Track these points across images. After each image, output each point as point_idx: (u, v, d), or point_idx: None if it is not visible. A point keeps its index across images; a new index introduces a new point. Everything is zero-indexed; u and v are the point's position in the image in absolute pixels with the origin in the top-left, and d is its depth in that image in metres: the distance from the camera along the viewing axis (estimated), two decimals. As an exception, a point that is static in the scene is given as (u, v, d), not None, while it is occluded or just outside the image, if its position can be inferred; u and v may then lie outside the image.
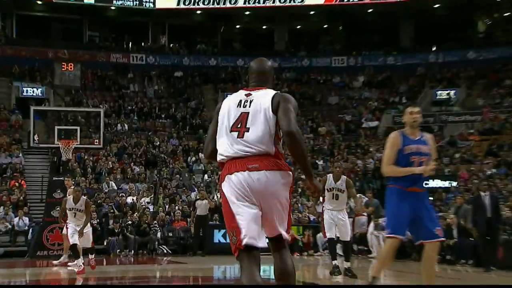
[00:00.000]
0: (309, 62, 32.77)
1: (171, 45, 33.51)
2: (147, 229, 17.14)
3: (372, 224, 15.82)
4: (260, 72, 4.44)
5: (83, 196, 11.74)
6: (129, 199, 19.45)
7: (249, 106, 4.17)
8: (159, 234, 17.28)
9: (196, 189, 20.22)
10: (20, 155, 22.39)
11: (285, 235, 4.14)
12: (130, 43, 32.99)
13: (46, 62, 28.31)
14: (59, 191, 16.89)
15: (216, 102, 29.82)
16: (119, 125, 26.15)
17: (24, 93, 27.00)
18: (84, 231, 11.28)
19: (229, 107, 4.22)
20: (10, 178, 20.65)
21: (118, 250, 16.67)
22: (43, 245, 15.92)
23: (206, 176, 22.29)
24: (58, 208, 16.31)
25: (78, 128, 20.05)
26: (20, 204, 18.69)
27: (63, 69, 26.19)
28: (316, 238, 17.03)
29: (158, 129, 26.61)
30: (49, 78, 27.69)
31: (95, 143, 20.54)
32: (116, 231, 17.08)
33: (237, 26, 35.75)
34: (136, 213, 18.02)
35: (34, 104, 24.41)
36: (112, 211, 18.38)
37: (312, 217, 17.94)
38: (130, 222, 17.41)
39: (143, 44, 33.51)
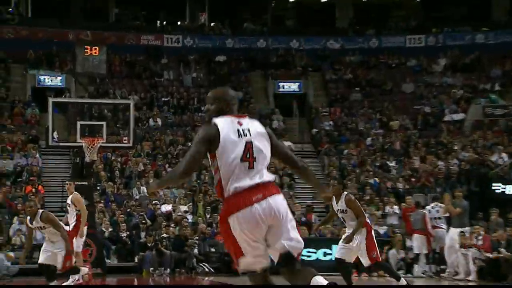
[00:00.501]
0: (378, 42, 32.44)
1: (212, 24, 33.67)
2: (186, 243, 17.31)
3: (455, 237, 15.52)
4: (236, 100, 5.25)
5: (39, 210, 11.41)
6: (164, 208, 19.67)
7: (250, 135, 4.95)
8: (197, 250, 17.44)
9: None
10: (37, 155, 22.89)
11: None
12: (164, 22, 33.29)
13: (66, 45, 28.72)
14: (83, 197, 17.24)
15: (266, 90, 29.90)
16: (151, 119, 26.44)
17: (41, 83, 27.60)
18: (55, 250, 11.12)
19: (228, 136, 4.90)
20: (26, 183, 21.10)
21: (151, 268, 16.88)
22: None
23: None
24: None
25: (104, 123, 20.34)
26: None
27: (86, 54, 26.64)
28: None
29: (197, 124, 26.76)
30: (70, 65, 28.16)
31: (124, 141, 20.76)
32: (149, 245, 17.30)
33: (290, 0, 35.67)
34: (173, 224, 18.21)
35: (53, 95, 24.93)
36: (144, 221, 18.62)
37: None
38: (165, 235, 17.60)
39: (179, 23, 33.78)
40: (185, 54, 30.96)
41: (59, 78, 27.75)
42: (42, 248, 11.31)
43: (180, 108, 27.83)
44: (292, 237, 4.92)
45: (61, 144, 20.69)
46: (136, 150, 23.32)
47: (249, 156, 4.87)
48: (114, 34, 31.17)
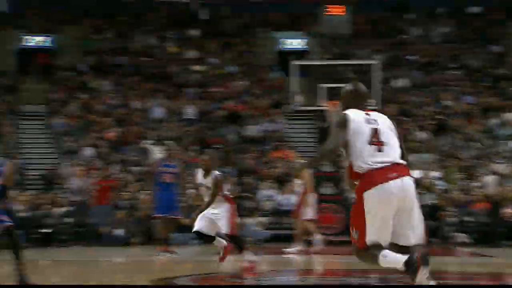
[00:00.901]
0: None
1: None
2: (438, 211, 16.84)
3: None
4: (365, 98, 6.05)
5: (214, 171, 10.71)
6: (413, 174, 19.27)
7: (378, 124, 5.65)
8: (454, 218, 16.87)
9: (502, 160, 19.46)
10: (282, 120, 23.53)
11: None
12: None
13: (309, 7, 29.12)
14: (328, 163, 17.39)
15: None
16: (397, 80, 25.99)
17: (285, 46, 28.27)
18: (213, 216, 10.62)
19: (358, 122, 5.62)
20: (273, 148, 21.77)
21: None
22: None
23: (514, 143, 21.29)
24: (328, 184, 16.85)
25: (349, 85, 20.31)
26: (285, 180, 19.60)
27: (329, 14, 26.75)
28: None
29: (448, 84, 25.86)
30: (313, 26, 28.53)
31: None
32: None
33: None
34: (424, 192, 17.78)
35: (296, 58, 25.40)
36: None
37: None
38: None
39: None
40: (434, 7, 29.93)
41: (301, 41, 28.24)
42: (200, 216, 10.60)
43: (429, 67, 27.05)
44: (415, 232, 5.50)
45: (305, 108, 21.07)
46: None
47: (377, 140, 5.54)
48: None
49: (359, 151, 5.52)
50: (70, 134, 22.65)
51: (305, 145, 22.47)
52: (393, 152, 5.55)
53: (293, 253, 14.03)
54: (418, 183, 18.13)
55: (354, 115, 5.67)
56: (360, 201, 5.43)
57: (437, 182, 18.54)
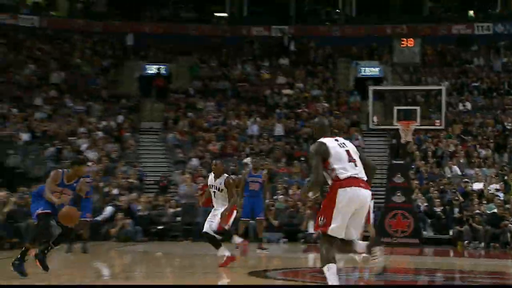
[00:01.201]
0: None
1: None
2: (501, 220, 16.34)
3: None
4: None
5: (224, 174, 10.54)
6: (476, 186, 18.79)
7: (346, 146, 6.20)
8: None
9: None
10: (359, 137, 23.38)
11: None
12: (474, 11, 31.68)
13: (384, 39, 28.91)
14: (399, 175, 17.18)
15: None
16: (461, 103, 25.42)
17: (362, 73, 28.12)
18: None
19: (335, 148, 6.14)
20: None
21: (466, 242, 16.23)
22: (385, 231, 16.33)
23: None
24: (399, 193, 16.67)
25: (418, 108, 20.01)
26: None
27: (402, 46, 26.49)
28: None
29: (508, 107, 25.07)
30: (387, 56, 28.29)
31: (436, 124, 20.23)
32: (463, 220, 16.66)
33: None
34: (485, 202, 17.35)
35: (373, 84, 25.23)
36: (456, 198, 17.99)
37: None
38: (478, 211, 16.81)
39: (489, 11, 31.90)
40: (495, 41, 29.14)
41: (377, 69, 28.04)
42: (210, 216, 10.39)
43: (490, 92, 26.29)
44: (358, 234, 6.15)
45: (379, 127, 20.89)
46: (447, 132, 22.62)
47: (352, 158, 6.08)
48: (428, 26, 30.50)
49: (342, 167, 6.04)
50: (180, 147, 23.13)
51: (379, 159, 22.26)
52: (360, 168, 6.12)
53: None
54: (480, 194, 17.79)
55: (329, 142, 6.17)
56: (334, 195, 5.96)
57: (497, 194, 18.01)
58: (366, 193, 6.03)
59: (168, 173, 21.83)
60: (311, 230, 17.31)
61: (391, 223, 16.35)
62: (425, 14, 32.42)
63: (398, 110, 19.53)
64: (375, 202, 18.73)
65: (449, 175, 20.23)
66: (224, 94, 26.80)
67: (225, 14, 33.01)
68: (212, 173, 10.64)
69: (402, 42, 26.18)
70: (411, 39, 25.12)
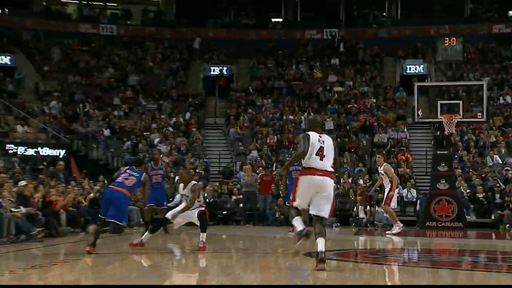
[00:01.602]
0: None
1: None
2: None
3: None
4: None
5: (192, 180, 9.88)
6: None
7: (323, 144, 7.27)
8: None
9: None
10: (405, 130, 23.00)
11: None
12: (512, 11, 30.69)
13: (428, 39, 28.29)
14: (443, 164, 16.84)
15: None
16: (501, 98, 24.67)
17: (408, 71, 27.61)
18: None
19: (313, 140, 7.23)
20: (397, 152, 21.37)
21: (507, 225, 15.78)
22: (431, 216, 16.08)
23: None
24: (443, 181, 16.33)
25: (460, 102, 19.53)
26: (407, 177, 19.23)
27: (445, 45, 25.88)
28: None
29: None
30: (431, 55, 27.69)
31: (478, 117, 19.70)
32: (505, 205, 16.21)
33: None
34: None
35: (417, 80, 24.75)
36: (498, 185, 17.52)
37: None
38: (518, 197, 16.34)
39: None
40: (534, 38, 28.17)
41: (422, 66, 27.46)
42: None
43: (531, 87, 25.39)
44: (322, 209, 7.19)
45: (424, 120, 20.47)
46: (489, 124, 22.01)
47: (322, 153, 7.19)
48: (469, 26, 29.71)
49: (310, 157, 7.17)
50: (241, 140, 23.26)
51: (423, 149, 21.87)
52: (328, 162, 7.21)
53: (393, 234, 13.73)
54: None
55: (312, 135, 7.24)
56: (298, 181, 7.31)
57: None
58: (323, 181, 7.15)
59: (231, 163, 21.98)
60: (361, 215, 17.19)
61: (437, 208, 16.02)
62: (466, 15, 31.55)
63: (442, 104, 19.10)
64: (421, 190, 18.56)
65: (490, 164, 19.70)
66: (280, 92, 26.79)
67: (280, 20, 32.96)
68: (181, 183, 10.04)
69: (445, 41, 25.55)
70: (454, 38, 24.50)
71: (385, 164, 13.99)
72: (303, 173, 7.24)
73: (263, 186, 17.98)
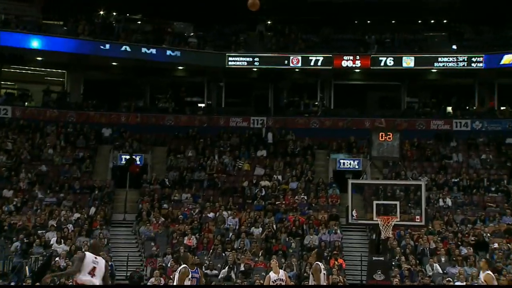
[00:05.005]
0: None
1: (501, 108, 32.31)
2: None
3: None
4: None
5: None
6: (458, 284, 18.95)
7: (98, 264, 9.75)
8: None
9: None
10: (338, 231, 23.50)
11: None
12: (452, 107, 32.75)
13: (362, 132, 29.52)
14: (379, 272, 17.35)
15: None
16: (441, 200, 25.86)
17: (341, 166, 28.56)
18: None
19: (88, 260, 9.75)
20: (330, 257, 21.54)
21: None
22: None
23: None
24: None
25: (398, 203, 20.41)
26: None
27: (380, 140, 27.25)
28: None
29: (488, 205, 25.57)
30: (366, 150, 28.79)
31: (416, 220, 20.60)
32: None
33: None
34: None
35: (352, 177, 25.66)
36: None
37: None
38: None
39: (467, 108, 33.05)
40: (474, 137, 30.06)
41: (356, 162, 28.48)
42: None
43: (470, 189, 26.80)
44: None
45: (359, 221, 21.05)
46: (428, 229, 22.92)
47: (93, 272, 9.58)
48: (406, 120, 31.47)
49: (84, 275, 9.49)
50: (154, 240, 22.83)
51: (359, 254, 22.30)
52: (99, 279, 9.59)
53: None
54: None
55: (88, 255, 9.65)
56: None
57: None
58: None
59: (140, 267, 21.70)
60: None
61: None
62: (403, 109, 33.36)
63: (378, 205, 19.93)
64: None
65: (430, 273, 20.29)
66: (201, 185, 26.94)
67: (203, 105, 33.59)
68: None
69: (381, 136, 26.96)
70: (390, 133, 25.90)
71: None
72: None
73: None
